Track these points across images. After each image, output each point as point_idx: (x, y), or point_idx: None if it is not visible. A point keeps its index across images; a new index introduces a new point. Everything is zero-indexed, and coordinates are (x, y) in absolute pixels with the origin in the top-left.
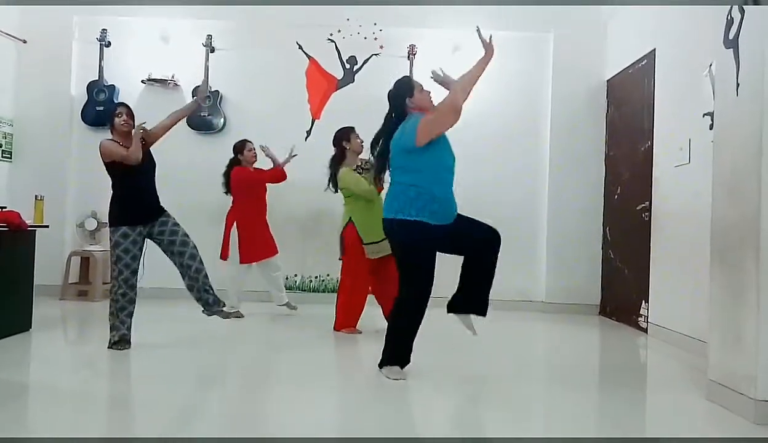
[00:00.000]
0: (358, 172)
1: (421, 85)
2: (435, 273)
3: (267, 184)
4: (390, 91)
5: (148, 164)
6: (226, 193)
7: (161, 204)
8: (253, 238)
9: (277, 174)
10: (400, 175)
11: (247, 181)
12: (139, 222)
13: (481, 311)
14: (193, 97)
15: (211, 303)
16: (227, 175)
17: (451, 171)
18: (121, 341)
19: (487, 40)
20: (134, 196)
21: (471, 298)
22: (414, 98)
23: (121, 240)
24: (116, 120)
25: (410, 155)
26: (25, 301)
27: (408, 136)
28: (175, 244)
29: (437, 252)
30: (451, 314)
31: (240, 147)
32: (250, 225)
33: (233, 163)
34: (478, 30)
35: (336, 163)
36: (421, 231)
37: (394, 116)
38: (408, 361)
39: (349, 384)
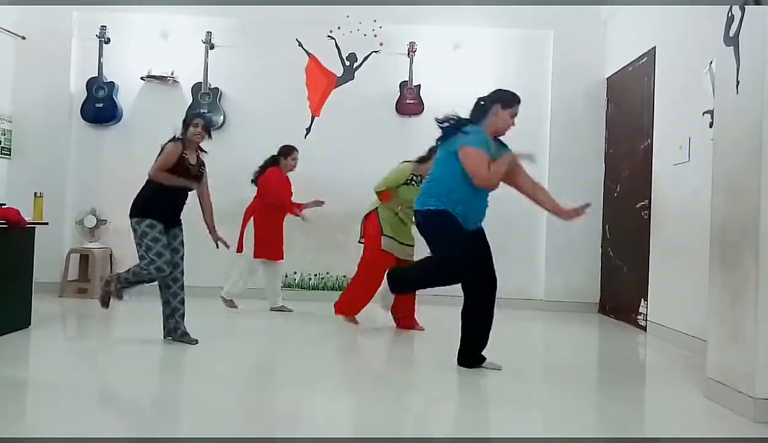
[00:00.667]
0: (418, 184)
1: (515, 113)
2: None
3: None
4: (493, 91)
5: (197, 177)
6: (253, 182)
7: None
8: (265, 236)
9: (290, 207)
10: (437, 169)
11: (275, 187)
12: (162, 222)
13: (483, 358)
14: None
15: (173, 329)
16: (263, 169)
17: (480, 192)
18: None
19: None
20: (168, 202)
21: (478, 349)
22: (500, 113)
23: (148, 229)
24: (192, 129)
25: (450, 156)
26: (24, 298)
27: (457, 143)
28: (172, 260)
29: None
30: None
31: (287, 152)
32: (266, 223)
33: (273, 161)
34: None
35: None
36: (448, 218)
37: (472, 113)
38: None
39: (347, 383)
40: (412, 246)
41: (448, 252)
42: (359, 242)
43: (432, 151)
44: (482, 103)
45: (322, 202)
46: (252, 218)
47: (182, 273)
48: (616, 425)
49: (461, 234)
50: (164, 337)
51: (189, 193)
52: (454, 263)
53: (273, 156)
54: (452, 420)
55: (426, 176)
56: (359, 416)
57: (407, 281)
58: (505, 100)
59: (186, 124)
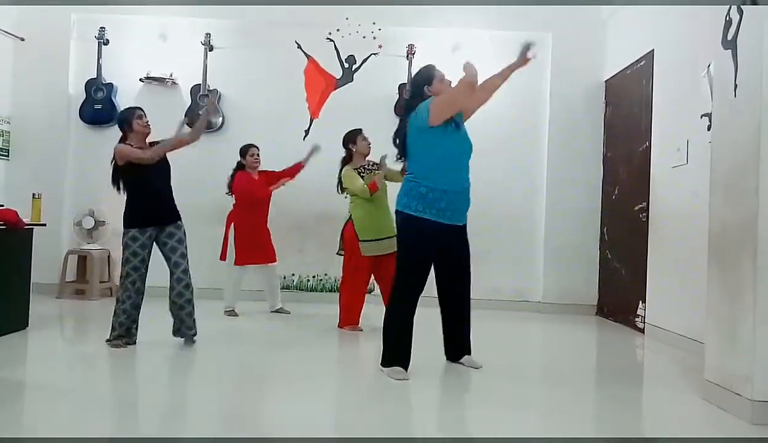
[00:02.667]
0: (361, 173)
1: (443, 75)
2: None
3: (272, 192)
4: (412, 77)
5: (163, 166)
6: (228, 193)
7: (177, 209)
8: (247, 242)
9: (293, 172)
10: (410, 164)
11: (244, 190)
12: (150, 224)
13: (469, 349)
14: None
15: (179, 328)
16: (232, 177)
17: (458, 158)
18: (115, 339)
19: (527, 55)
20: (149, 198)
21: (463, 340)
22: (433, 87)
23: (130, 242)
24: (138, 122)
25: (423, 136)
26: (22, 299)
27: (421, 115)
28: (170, 261)
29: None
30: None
31: (243, 151)
32: (246, 229)
33: (238, 166)
34: (528, 46)
35: (343, 164)
36: (421, 229)
37: (413, 104)
38: (407, 361)
39: (346, 383)
40: (392, 237)
41: (406, 263)
42: (338, 254)
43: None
44: (411, 97)
45: (317, 147)
46: (233, 226)
47: (185, 271)
48: (613, 427)
49: (426, 247)
50: (173, 335)
51: (168, 179)
52: (411, 273)
53: (238, 161)
54: (450, 420)
55: (362, 163)
56: (356, 416)
57: (388, 323)
58: (427, 77)
59: (128, 119)
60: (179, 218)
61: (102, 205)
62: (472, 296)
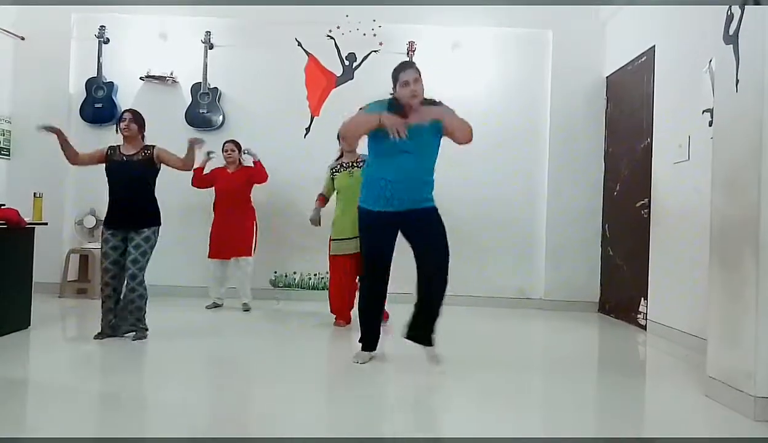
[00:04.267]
0: (349, 169)
1: (406, 80)
2: (390, 263)
3: (251, 187)
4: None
5: (129, 175)
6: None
7: (148, 215)
8: (215, 235)
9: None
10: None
11: (207, 183)
12: (113, 227)
13: (430, 341)
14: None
15: (119, 326)
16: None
17: (389, 154)
18: (99, 333)
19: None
20: (111, 202)
21: (422, 327)
22: (396, 92)
23: (102, 241)
24: (120, 125)
25: (369, 141)
26: (23, 299)
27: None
28: (129, 257)
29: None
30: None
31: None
32: (217, 223)
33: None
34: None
35: (336, 160)
36: (364, 216)
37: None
38: (372, 347)
39: (344, 383)
40: (349, 239)
41: (362, 251)
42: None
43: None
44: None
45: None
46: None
47: (133, 277)
48: (616, 423)
49: (370, 233)
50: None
51: (134, 187)
52: (365, 258)
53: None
54: (449, 419)
55: (353, 159)
56: (352, 415)
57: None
58: (394, 77)
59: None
60: (143, 225)
61: (103, 204)
62: (473, 293)
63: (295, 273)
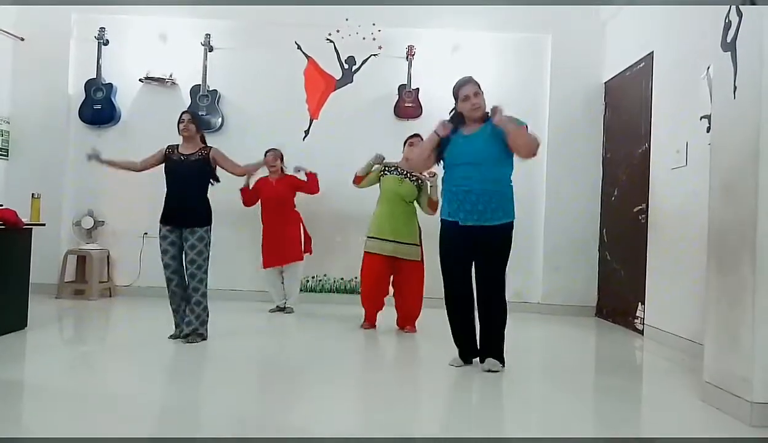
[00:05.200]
0: (402, 176)
1: (466, 95)
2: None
3: (294, 194)
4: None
5: (184, 175)
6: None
7: (199, 215)
8: (266, 245)
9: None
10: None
11: (255, 198)
12: (168, 224)
13: (489, 353)
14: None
15: (185, 327)
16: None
17: (458, 167)
18: (174, 334)
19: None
20: (167, 199)
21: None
22: (458, 107)
23: (160, 238)
24: (179, 126)
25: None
26: (20, 299)
27: None
28: (186, 258)
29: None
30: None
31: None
32: (266, 232)
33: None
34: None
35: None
36: (441, 227)
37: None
38: (463, 351)
39: (343, 383)
40: (401, 242)
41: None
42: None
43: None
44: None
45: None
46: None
47: (192, 276)
48: (612, 428)
49: (443, 243)
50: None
51: (190, 185)
52: (441, 270)
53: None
54: (449, 420)
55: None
56: (356, 416)
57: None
58: (455, 93)
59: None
60: (198, 223)
61: (101, 205)
62: None
63: None
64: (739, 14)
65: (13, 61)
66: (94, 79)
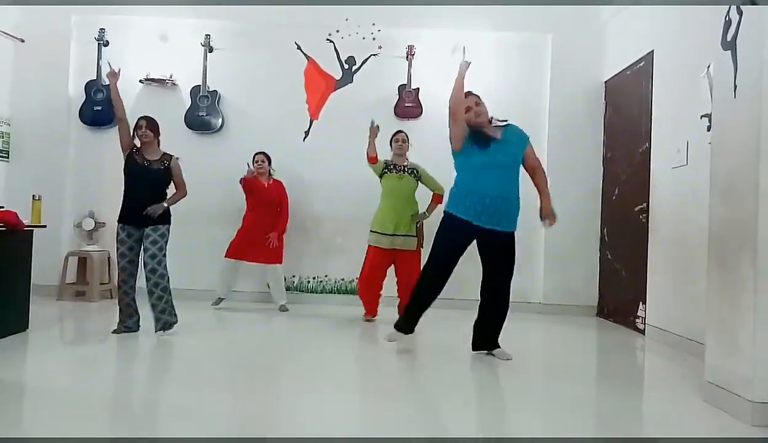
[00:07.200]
0: (400, 172)
1: (468, 107)
2: (453, 269)
3: (278, 199)
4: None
5: (148, 180)
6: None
7: (162, 215)
8: (240, 237)
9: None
10: None
11: (247, 190)
12: (128, 224)
13: (496, 344)
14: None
15: (155, 323)
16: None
17: (483, 168)
18: (117, 329)
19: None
20: (127, 200)
21: (490, 336)
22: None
23: (118, 242)
24: (137, 132)
25: (454, 159)
26: (22, 301)
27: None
28: (147, 253)
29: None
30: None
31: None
32: (245, 227)
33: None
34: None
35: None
36: (448, 220)
37: None
38: (409, 331)
39: (342, 383)
40: (399, 235)
41: (436, 242)
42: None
43: None
44: None
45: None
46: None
47: (153, 271)
48: (613, 428)
49: (452, 238)
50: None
51: (150, 188)
52: (435, 255)
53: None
54: (450, 420)
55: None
56: (358, 416)
57: (409, 302)
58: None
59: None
60: (156, 222)
61: (102, 207)
62: (472, 297)
63: (294, 276)
64: (740, 13)
65: (14, 63)
66: (94, 80)
